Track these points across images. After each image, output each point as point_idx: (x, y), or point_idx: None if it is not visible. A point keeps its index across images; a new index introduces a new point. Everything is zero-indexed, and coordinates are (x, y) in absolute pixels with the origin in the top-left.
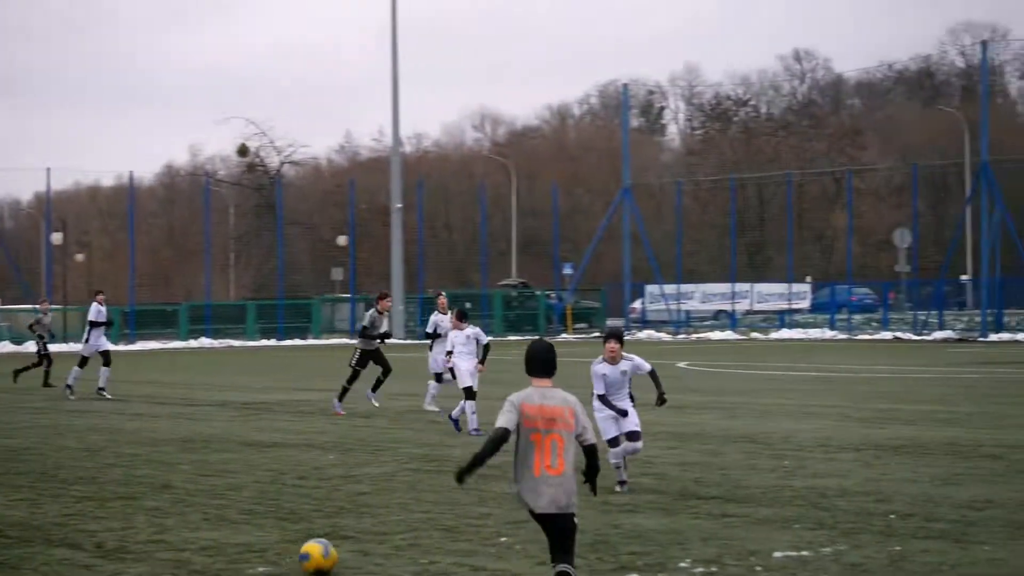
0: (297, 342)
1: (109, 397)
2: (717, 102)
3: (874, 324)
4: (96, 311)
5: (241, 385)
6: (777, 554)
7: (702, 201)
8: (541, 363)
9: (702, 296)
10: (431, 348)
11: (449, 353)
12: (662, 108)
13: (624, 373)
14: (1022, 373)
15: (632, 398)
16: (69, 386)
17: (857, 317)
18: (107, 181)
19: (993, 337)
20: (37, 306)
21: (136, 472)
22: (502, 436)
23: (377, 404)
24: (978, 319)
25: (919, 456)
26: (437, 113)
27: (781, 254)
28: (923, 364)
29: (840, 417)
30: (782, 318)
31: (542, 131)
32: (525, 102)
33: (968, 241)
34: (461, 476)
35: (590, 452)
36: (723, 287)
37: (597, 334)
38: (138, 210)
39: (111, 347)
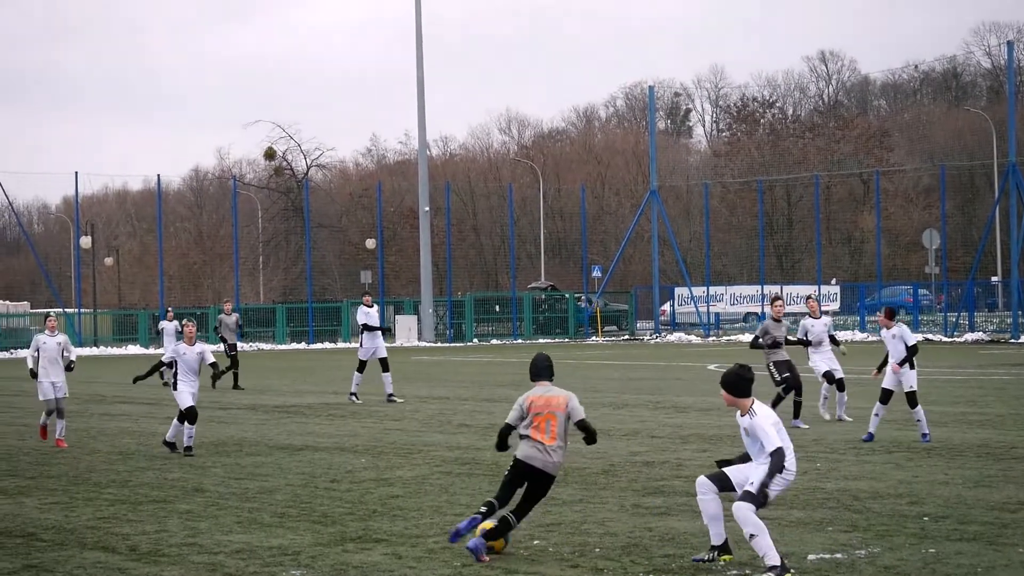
0: (327, 345)
1: (399, 400)
2: (743, 104)
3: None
4: (364, 313)
5: (272, 388)
6: (811, 556)
7: (730, 203)
8: (544, 369)
9: (731, 298)
10: None
11: None
12: (688, 110)
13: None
14: None
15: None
16: (353, 393)
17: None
18: (135, 185)
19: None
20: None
21: (168, 475)
22: (505, 429)
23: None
24: (1009, 320)
25: (951, 458)
26: (463, 116)
27: (810, 256)
28: (954, 366)
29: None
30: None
31: (569, 133)
32: (551, 104)
33: (997, 242)
34: (498, 448)
35: (582, 425)
36: (752, 289)
37: (627, 337)
38: (167, 214)
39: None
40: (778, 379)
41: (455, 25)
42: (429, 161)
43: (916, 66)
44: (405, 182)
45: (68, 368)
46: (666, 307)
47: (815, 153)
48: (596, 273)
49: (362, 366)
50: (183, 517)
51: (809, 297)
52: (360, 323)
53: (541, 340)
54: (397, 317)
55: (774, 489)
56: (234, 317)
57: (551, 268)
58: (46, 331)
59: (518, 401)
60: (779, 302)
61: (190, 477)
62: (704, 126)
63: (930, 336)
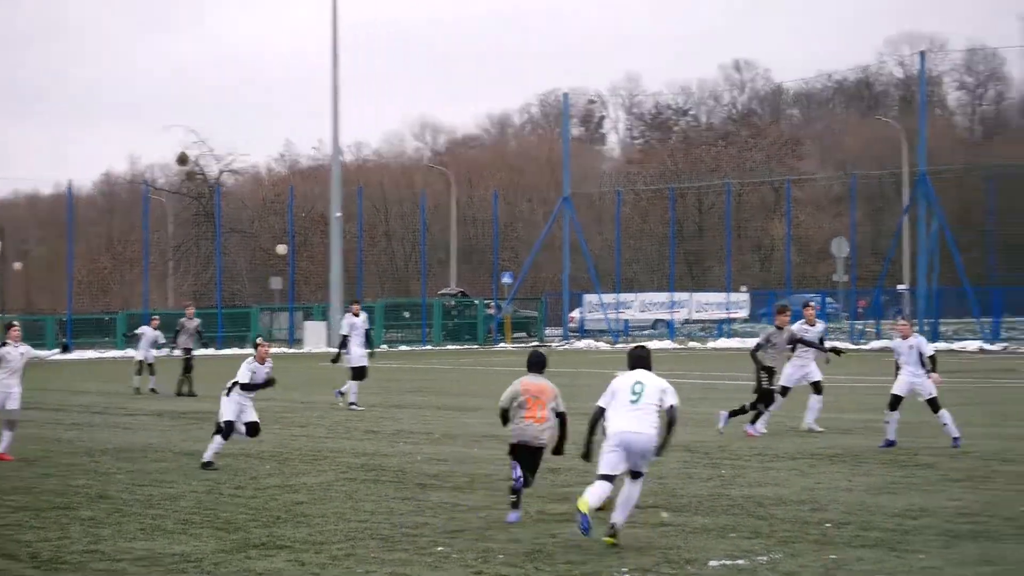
0: (236, 351)
1: (358, 408)
2: (657, 111)
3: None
4: (349, 325)
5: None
6: (713, 562)
7: (642, 210)
8: (536, 364)
9: (641, 305)
10: None
11: None
12: (602, 117)
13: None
14: (957, 383)
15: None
16: (353, 403)
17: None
18: (46, 190)
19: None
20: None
21: (72, 482)
22: (503, 410)
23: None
24: (915, 329)
25: (855, 465)
26: (378, 122)
27: (720, 263)
28: (860, 373)
29: (776, 426)
30: (720, 327)
31: (482, 140)
32: (465, 111)
33: (906, 251)
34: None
35: (561, 419)
36: (662, 296)
37: (536, 343)
38: (77, 219)
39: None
40: (767, 387)
41: (371, 32)
42: (342, 167)
43: (829, 75)
44: (318, 188)
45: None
46: (575, 313)
47: (727, 161)
48: (506, 279)
49: (355, 373)
50: (86, 524)
51: (807, 304)
52: (342, 334)
53: (450, 346)
54: (306, 323)
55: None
56: (196, 322)
57: (462, 274)
58: (9, 341)
59: (513, 384)
60: (788, 312)
61: (94, 484)
62: (618, 133)
63: (837, 344)
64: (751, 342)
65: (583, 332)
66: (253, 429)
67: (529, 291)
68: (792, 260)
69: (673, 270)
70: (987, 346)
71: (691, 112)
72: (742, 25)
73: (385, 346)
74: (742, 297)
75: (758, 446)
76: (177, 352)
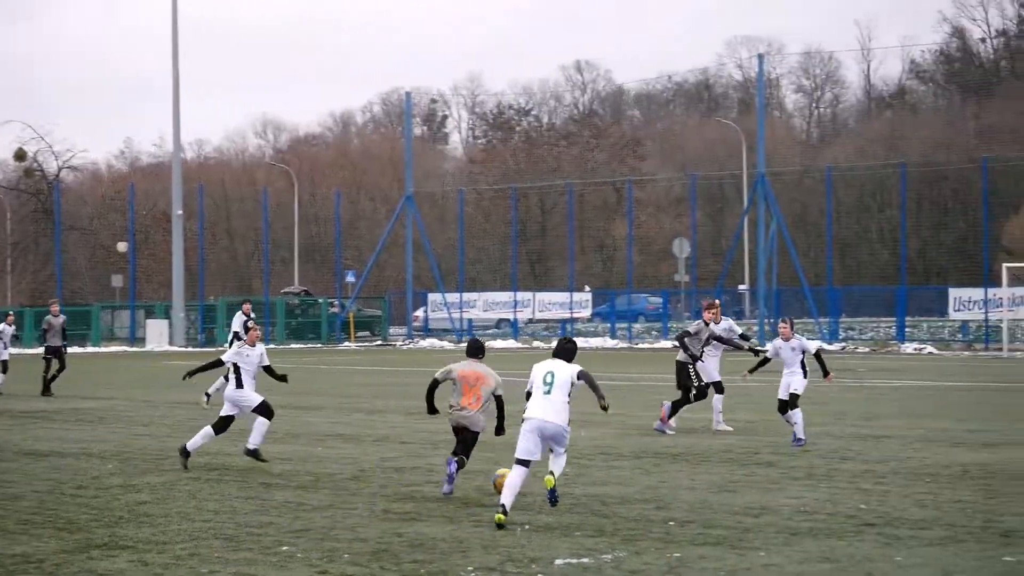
0: (76, 350)
1: None
2: (499, 111)
3: (654, 333)
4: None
5: (18, 393)
6: (558, 561)
7: (484, 210)
8: (477, 350)
9: (484, 304)
10: None
11: None
12: (445, 117)
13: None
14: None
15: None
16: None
17: (638, 326)
18: None
19: (769, 346)
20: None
21: None
22: (434, 380)
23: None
24: (755, 328)
25: (697, 464)
26: (220, 120)
27: (563, 263)
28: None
29: (620, 425)
30: (564, 327)
31: (325, 138)
32: (308, 109)
33: (746, 251)
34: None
35: (500, 402)
36: (505, 296)
37: (380, 342)
38: None
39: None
40: (696, 384)
41: (213, 29)
42: (183, 164)
43: (670, 77)
44: (159, 185)
45: None
46: (419, 313)
47: (569, 161)
48: (350, 278)
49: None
50: None
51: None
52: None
53: (294, 345)
54: (148, 321)
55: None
56: (61, 319)
57: (305, 273)
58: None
59: (448, 367)
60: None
61: None
62: (460, 133)
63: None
64: (594, 341)
65: (427, 331)
66: (264, 409)
67: (373, 290)
68: (634, 260)
69: (516, 269)
70: (826, 346)
71: (533, 112)
72: (583, 26)
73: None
74: (585, 296)
75: (601, 445)
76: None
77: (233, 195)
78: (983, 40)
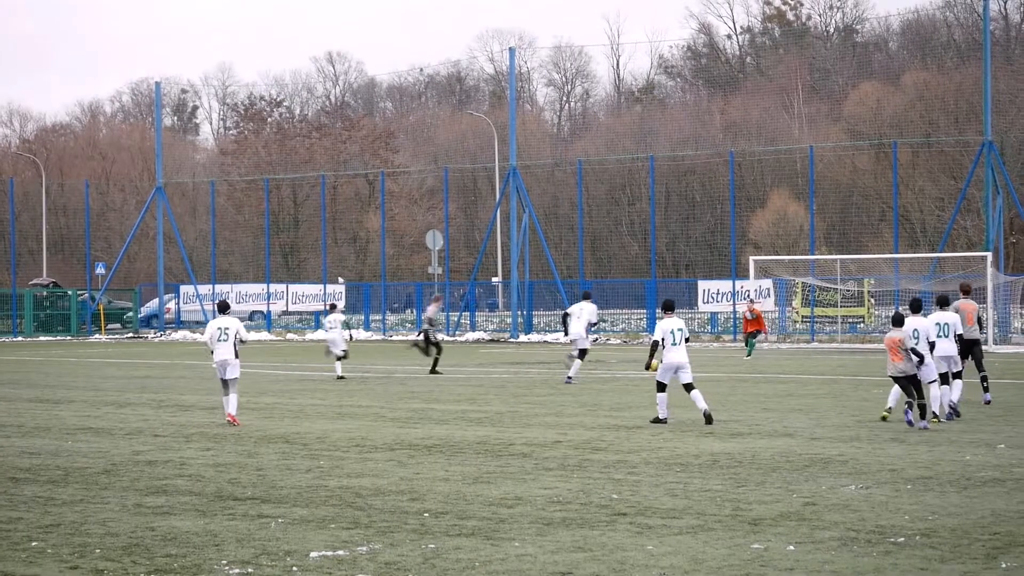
0: None
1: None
2: (251, 102)
3: (408, 325)
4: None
5: None
6: (313, 554)
7: (236, 201)
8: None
9: (237, 297)
10: None
11: None
12: (195, 107)
13: None
14: (551, 373)
15: None
16: None
17: (392, 318)
18: None
19: (523, 338)
20: None
21: None
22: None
23: None
24: (508, 320)
25: (452, 455)
26: None
27: (316, 255)
28: (455, 364)
29: (374, 417)
30: (317, 319)
31: (73, 128)
32: (55, 99)
33: (499, 244)
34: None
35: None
36: (258, 288)
37: (130, 335)
38: None
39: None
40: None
41: None
42: None
43: (421, 69)
44: None
45: None
46: (171, 305)
47: (322, 153)
48: (100, 270)
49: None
50: None
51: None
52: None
53: (43, 338)
54: None
55: None
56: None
57: (54, 265)
58: None
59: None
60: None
61: None
62: (211, 124)
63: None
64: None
65: (179, 323)
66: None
67: (123, 282)
68: (387, 252)
69: (269, 261)
70: None
71: (285, 104)
72: (334, 17)
73: None
74: (338, 288)
75: (356, 436)
76: None
77: None
78: (729, 36)
